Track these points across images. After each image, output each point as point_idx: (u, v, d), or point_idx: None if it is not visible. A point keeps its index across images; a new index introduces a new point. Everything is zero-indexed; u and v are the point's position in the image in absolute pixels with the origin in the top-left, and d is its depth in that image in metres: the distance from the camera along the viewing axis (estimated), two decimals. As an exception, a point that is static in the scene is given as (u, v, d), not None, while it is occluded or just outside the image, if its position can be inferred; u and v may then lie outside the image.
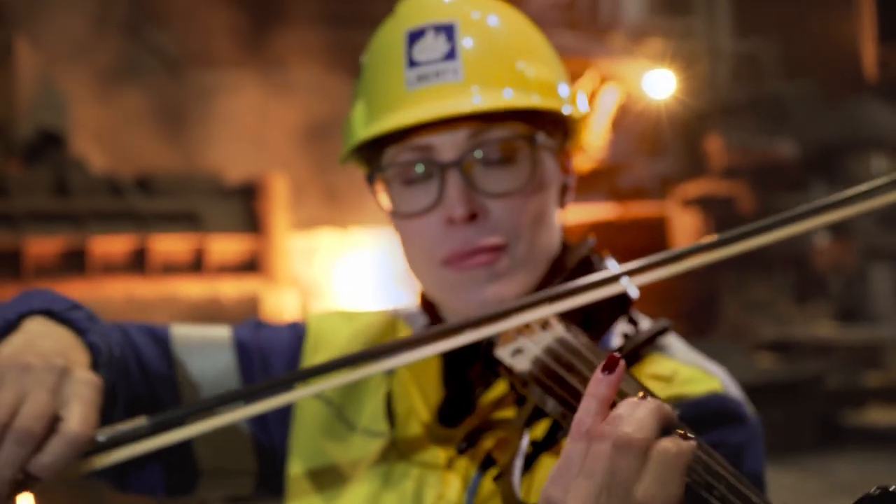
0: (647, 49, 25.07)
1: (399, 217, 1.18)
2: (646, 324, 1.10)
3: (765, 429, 0.93)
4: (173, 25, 17.86)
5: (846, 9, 14.36)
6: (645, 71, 23.33)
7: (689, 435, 0.77)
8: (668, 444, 0.75)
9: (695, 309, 18.95)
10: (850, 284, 17.93)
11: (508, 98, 1.12)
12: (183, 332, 1.29)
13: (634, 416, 0.76)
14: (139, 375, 1.20)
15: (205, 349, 1.27)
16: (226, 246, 11.75)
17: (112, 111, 15.43)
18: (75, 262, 10.92)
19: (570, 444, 0.79)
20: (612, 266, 1.12)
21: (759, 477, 1.07)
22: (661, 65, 23.81)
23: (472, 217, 1.11)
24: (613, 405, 0.79)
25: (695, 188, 18.81)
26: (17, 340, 0.98)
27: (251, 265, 11.91)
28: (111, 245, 11.10)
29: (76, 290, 10.89)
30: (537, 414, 1.01)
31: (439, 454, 1.15)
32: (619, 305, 1.09)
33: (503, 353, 1.03)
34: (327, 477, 1.21)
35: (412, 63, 1.13)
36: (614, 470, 0.75)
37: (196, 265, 11.56)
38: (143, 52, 17.45)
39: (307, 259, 13.73)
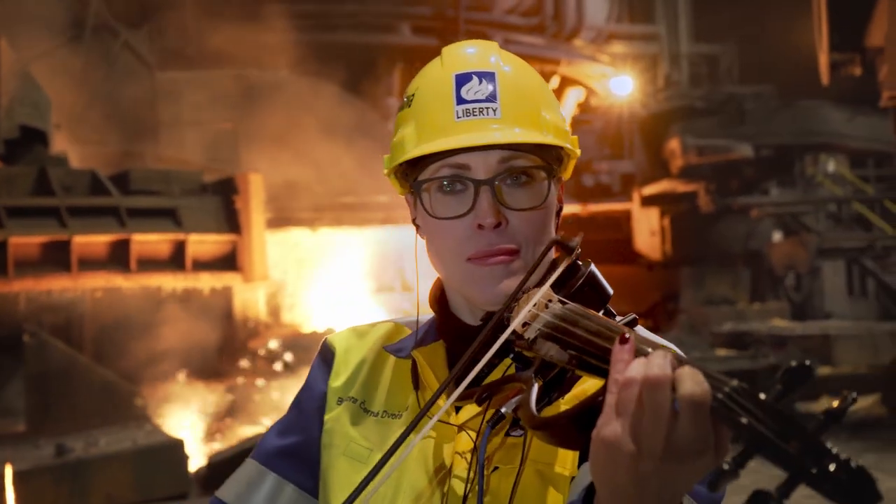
0: (610, 53, 25.54)
1: (435, 218, 1.42)
2: (619, 317, 1.31)
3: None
4: (147, 26, 17.91)
5: (802, 17, 14.85)
6: (607, 74, 23.79)
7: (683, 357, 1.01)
8: (686, 373, 0.97)
9: (656, 304, 19.40)
10: (803, 281, 18.35)
11: (533, 135, 1.40)
12: (227, 490, 1.59)
13: (653, 362, 0.99)
14: None
15: (250, 489, 1.56)
16: (204, 242, 11.88)
17: (90, 109, 15.40)
18: (57, 258, 10.93)
19: (608, 396, 1.03)
20: (593, 269, 1.36)
21: None
22: (623, 68, 24.31)
23: (498, 225, 1.37)
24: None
25: (655, 187, 19.16)
26: None
27: (228, 261, 12.01)
28: (92, 241, 11.16)
29: (58, 284, 10.99)
30: (545, 366, 1.22)
31: (453, 418, 1.40)
32: (601, 300, 1.35)
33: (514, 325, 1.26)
34: (360, 455, 1.51)
35: (460, 100, 1.40)
36: (646, 404, 0.96)
37: (175, 261, 11.64)
38: (118, 51, 17.44)
39: (281, 257, 13.76)
